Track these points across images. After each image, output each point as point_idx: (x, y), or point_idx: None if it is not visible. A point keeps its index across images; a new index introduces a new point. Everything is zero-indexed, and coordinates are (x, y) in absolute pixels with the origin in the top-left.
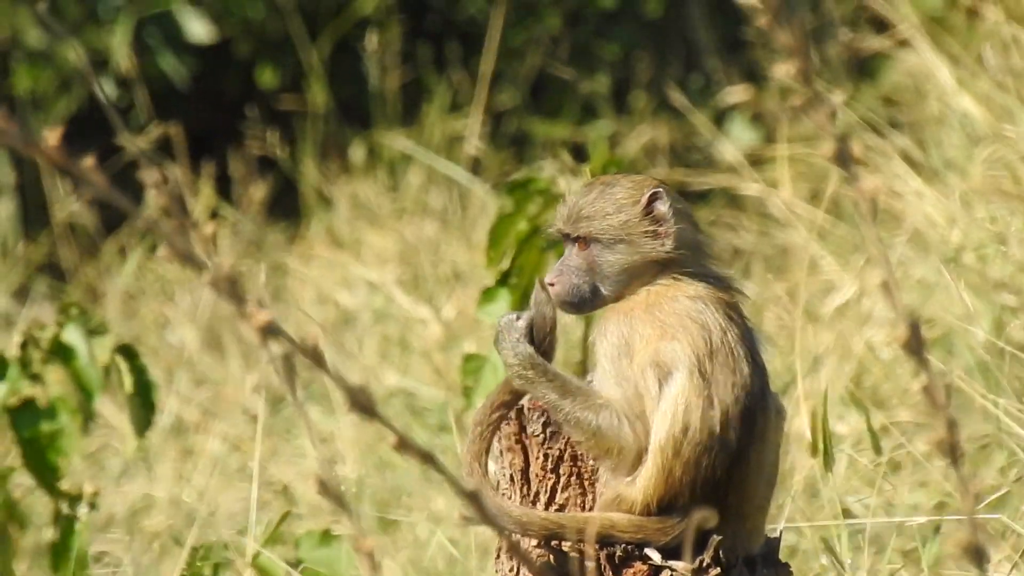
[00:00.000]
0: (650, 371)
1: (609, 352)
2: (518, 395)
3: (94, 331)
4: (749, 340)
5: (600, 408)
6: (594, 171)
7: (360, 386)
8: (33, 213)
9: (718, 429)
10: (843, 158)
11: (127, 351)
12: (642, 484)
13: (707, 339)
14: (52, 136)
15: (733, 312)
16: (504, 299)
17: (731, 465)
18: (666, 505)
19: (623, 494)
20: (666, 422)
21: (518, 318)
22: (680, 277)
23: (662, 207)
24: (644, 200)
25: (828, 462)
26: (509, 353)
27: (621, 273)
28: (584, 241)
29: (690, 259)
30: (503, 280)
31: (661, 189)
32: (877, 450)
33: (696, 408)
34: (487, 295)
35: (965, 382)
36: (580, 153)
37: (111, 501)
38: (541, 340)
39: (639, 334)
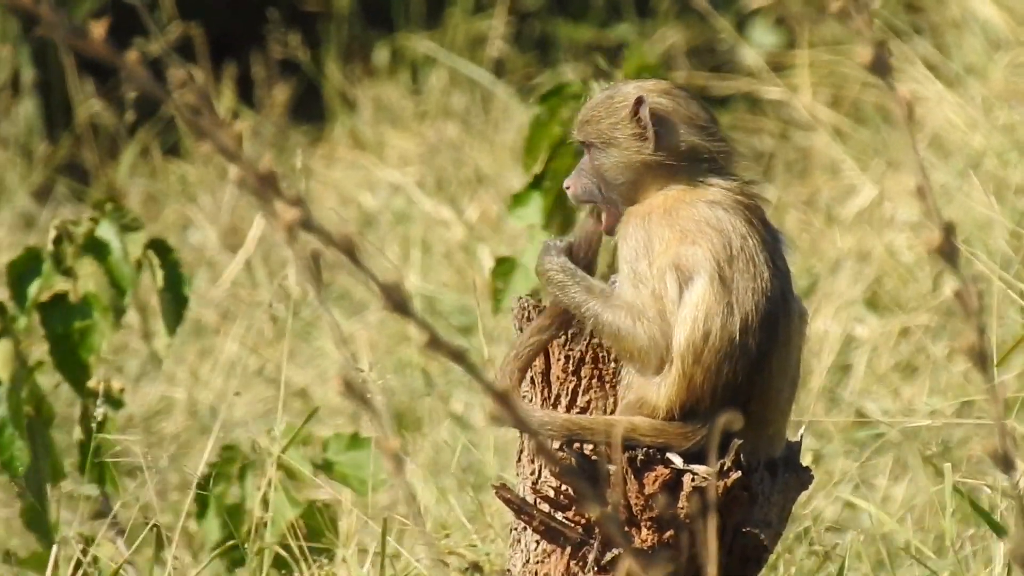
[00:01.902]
0: (670, 274)
1: (628, 254)
2: (560, 320)
3: (127, 227)
4: (771, 245)
5: (617, 309)
6: (627, 75)
7: (393, 282)
8: (56, 113)
9: (739, 336)
10: (880, 65)
11: (160, 247)
12: (664, 390)
13: (727, 245)
14: (98, 28)
15: (754, 216)
16: (536, 203)
17: (752, 371)
18: (688, 410)
19: (646, 398)
20: (686, 329)
21: (561, 240)
22: (699, 182)
23: (643, 111)
24: (631, 104)
25: None
26: (543, 261)
27: (619, 175)
28: (587, 145)
29: (701, 163)
30: (535, 184)
31: (643, 96)
32: None
33: (716, 315)
34: (519, 198)
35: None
36: (608, 56)
37: (129, 403)
38: (580, 258)
39: (658, 237)
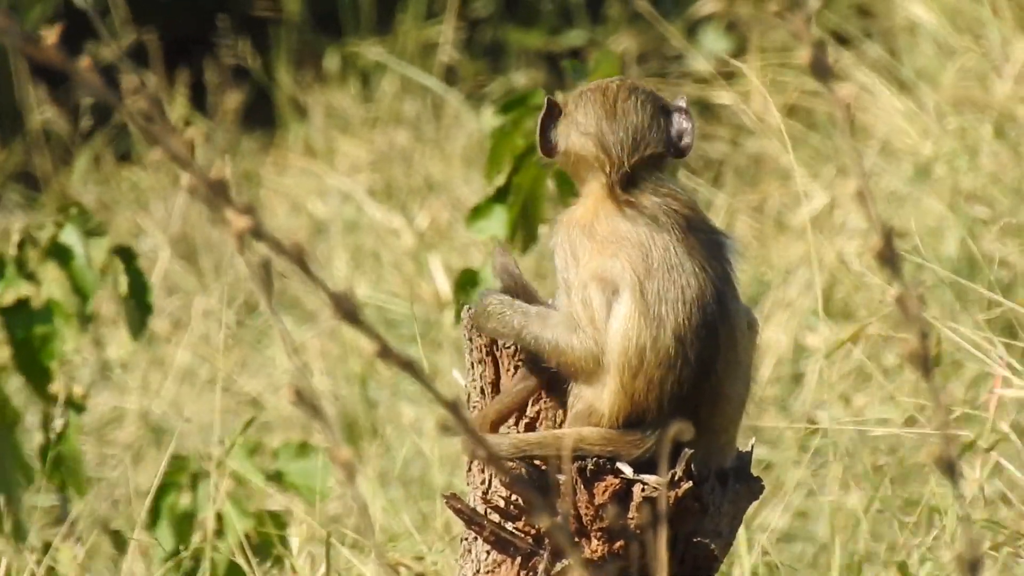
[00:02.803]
0: (593, 284)
1: (559, 264)
2: (540, 375)
3: (91, 232)
4: (703, 250)
5: (554, 325)
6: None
7: (344, 292)
8: (6, 120)
9: (673, 347)
10: (819, 65)
11: (124, 253)
12: (607, 400)
13: (646, 256)
14: (51, 34)
15: (685, 222)
16: (499, 216)
17: (698, 379)
18: (635, 420)
19: (593, 406)
20: (619, 345)
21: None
22: (622, 189)
23: (540, 115)
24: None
25: None
26: (481, 303)
27: (568, 176)
28: None
29: (617, 168)
30: (499, 197)
31: (549, 97)
32: None
33: (645, 329)
34: (480, 211)
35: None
36: (555, 64)
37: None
38: (513, 290)
39: (581, 247)
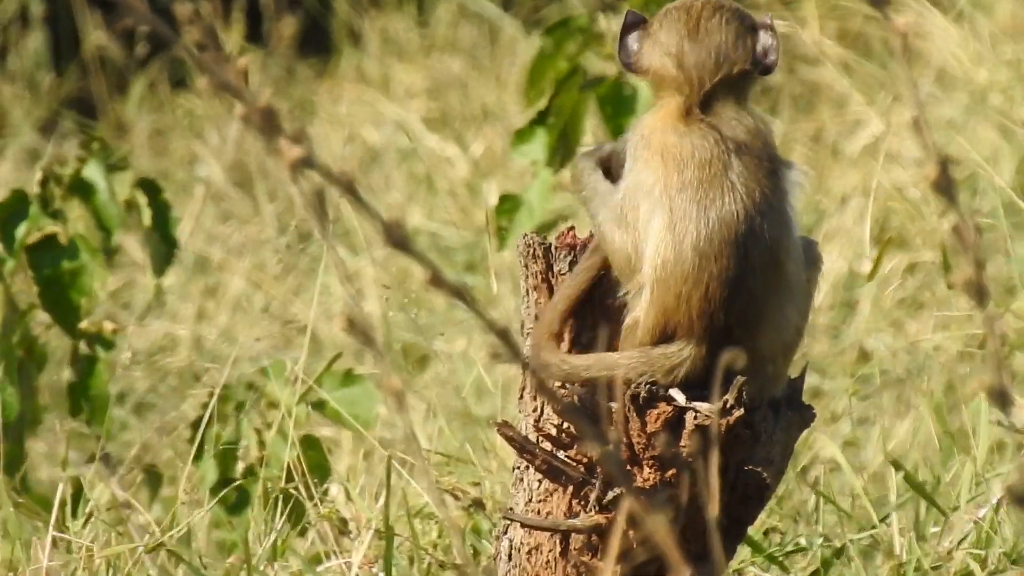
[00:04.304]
0: (631, 193)
1: (624, 160)
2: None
3: (115, 167)
4: (756, 176)
5: (609, 209)
6: (633, 5)
7: (395, 220)
8: (63, 46)
9: (693, 264)
10: None
11: (149, 186)
12: (643, 312)
13: (682, 172)
14: None
15: (743, 147)
16: (540, 139)
17: (730, 299)
18: (668, 336)
19: (638, 318)
20: (649, 257)
21: (600, 147)
22: (700, 108)
23: (624, 28)
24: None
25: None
26: (575, 162)
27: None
28: None
29: (690, 86)
30: (540, 120)
31: (631, 11)
32: None
33: (670, 244)
34: (521, 135)
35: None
36: None
37: (133, 340)
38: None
39: (639, 152)
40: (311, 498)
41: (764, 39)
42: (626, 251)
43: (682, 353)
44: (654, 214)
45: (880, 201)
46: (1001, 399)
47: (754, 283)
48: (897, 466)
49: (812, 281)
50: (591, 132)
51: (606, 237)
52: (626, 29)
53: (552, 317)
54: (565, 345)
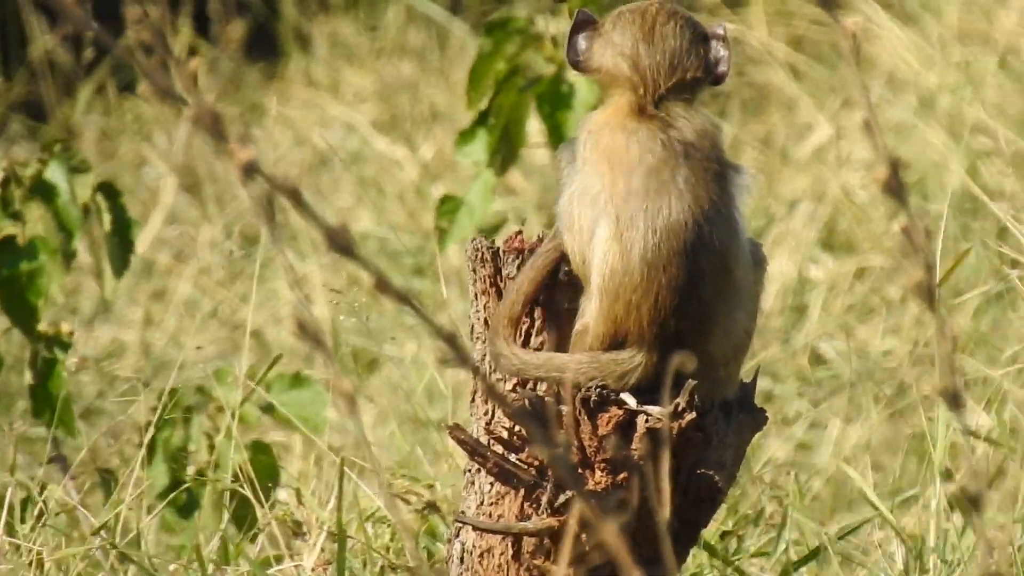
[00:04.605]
0: (577, 198)
1: (567, 156)
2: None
3: (76, 169)
4: (704, 181)
5: (562, 207)
6: (571, 8)
7: (339, 225)
8: (11, 50)
9: (641, 274)
10: None
11: (108, 189)
12: (593, 320)
13: (630, 178)
14: None
15: (692, 150)
16: (482, 140)
17: (680, 307)
18: (618, 343)
19: (587, 324)
20: (597, 267)
21: None
22: (634, 103)
23: (574, 27)
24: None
25: None
26: (556, 153)
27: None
28: None
29: (637, 88)
30: (481, 120)
31: (582, 10)
32: None
33: (616, 253)
34: (465, 136)
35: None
36: None
37: (82, 345)
38: None
39: (586, 153)
40: (261, 502)
41: (716, 49)
42: (575, 255)
43: (633, 360)
44: (599, 223)
45: (829, 205)
46: (954, 401)
47: (704, 290)
48: (848, 470)
49: (758, 283)
50: (535, 133)
51: (560, 230)
52: (576, 28)
53: (515, 298)
54: (521, 337)
